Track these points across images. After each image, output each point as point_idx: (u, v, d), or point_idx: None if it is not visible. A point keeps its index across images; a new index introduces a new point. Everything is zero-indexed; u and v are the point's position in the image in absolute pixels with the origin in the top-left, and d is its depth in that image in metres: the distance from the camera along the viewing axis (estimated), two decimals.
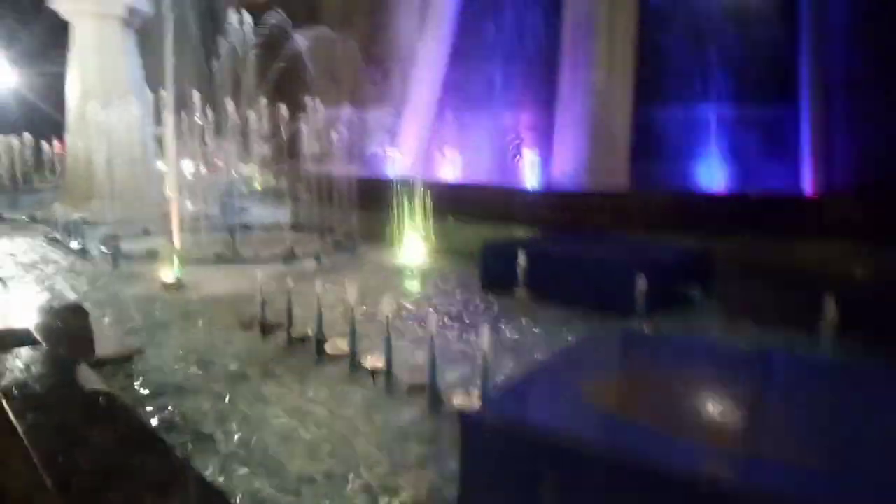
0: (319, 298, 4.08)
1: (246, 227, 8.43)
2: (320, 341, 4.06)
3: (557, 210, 7.62)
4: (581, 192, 8.18)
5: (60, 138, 13.38)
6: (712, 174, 8.37)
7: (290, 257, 6.81)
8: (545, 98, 9.41)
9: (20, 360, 2.72)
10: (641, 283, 5.03)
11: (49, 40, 16.70)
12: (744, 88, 8.56)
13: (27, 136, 13.80)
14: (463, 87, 11.08)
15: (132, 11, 11.32)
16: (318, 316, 4.09)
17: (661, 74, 8.75)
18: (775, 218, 6.69)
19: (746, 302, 5.48)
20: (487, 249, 6.38)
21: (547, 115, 9.36)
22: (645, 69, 8.75)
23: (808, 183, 7.86)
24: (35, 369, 2.59)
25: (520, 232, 7.09)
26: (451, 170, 10.53)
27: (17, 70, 16.53)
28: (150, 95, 12.34)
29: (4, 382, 2.42)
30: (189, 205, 10.67)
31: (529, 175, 9.40)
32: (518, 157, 9.86)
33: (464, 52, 11.20)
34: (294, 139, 14.54)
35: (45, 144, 13.85)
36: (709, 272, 5.89)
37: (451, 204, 8.44)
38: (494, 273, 6.09)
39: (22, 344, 2.95)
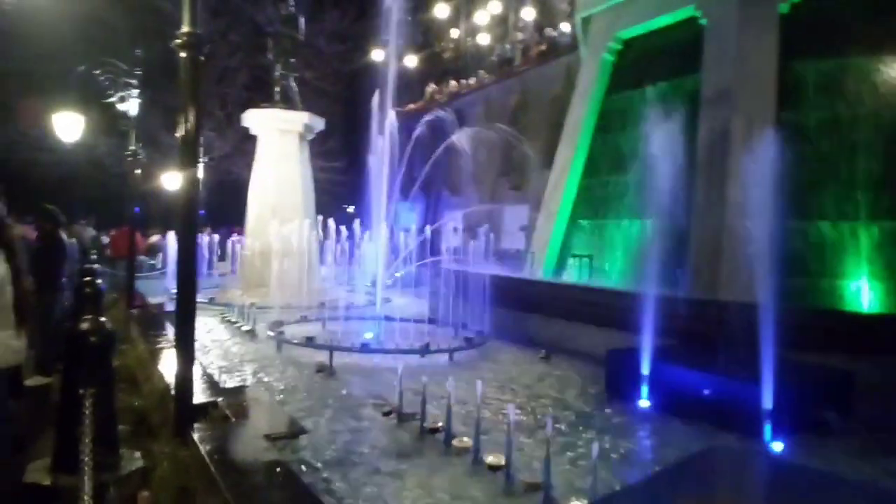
0: (450, 395, 4.58)
1: (389, 318, 9.23)
2: (449, 435, 4.52)
3: (690, 320, 7.64)
4: (716, 302, 8.13)
5: (240, 231, 15.54)
6: (861, 294, 8.01)
7: (425, 351, 7.42)
8: (679, 210, 9.57)
9: (216, 430, 3.46)
10: (772, 403, 5.01)
11: (237, 148, 19.74)
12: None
13: (214, 229, 16.27)
14: (596, 197, 11.56)
15: (308, 128, 13.28)
16: (448, 411, 4.58)
17: (804, 190, 8.68)
18: None
19: (890, 432, 5.20)
20: (612, 356, 6.60)
21: (681, 227, 9.50)
22: (786, 184, 8.71)
23: None
24: (229, 439, 3.30)
25: (648, 340, 7.20)
26: (581, 274, 10.85)
27: (210, 172, 19.62)
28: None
29: (209, 448, 3.13)
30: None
31: (662, 283, 9.48)
32: (678, 269, 9.96)
33: (598, 161, 11.77)
34: (436, 235, 15.70)
35: (229, 237, 16.22)
36: (850, 396, 5.66)
37: (582, 307, 8.75)
38: (618, 380, 6.28)
39: (216, 417, 3.71)
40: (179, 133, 3.85)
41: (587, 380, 6.80)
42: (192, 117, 3.77)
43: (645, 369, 6.02)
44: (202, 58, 3.78)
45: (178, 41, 3.67)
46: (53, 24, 15.10)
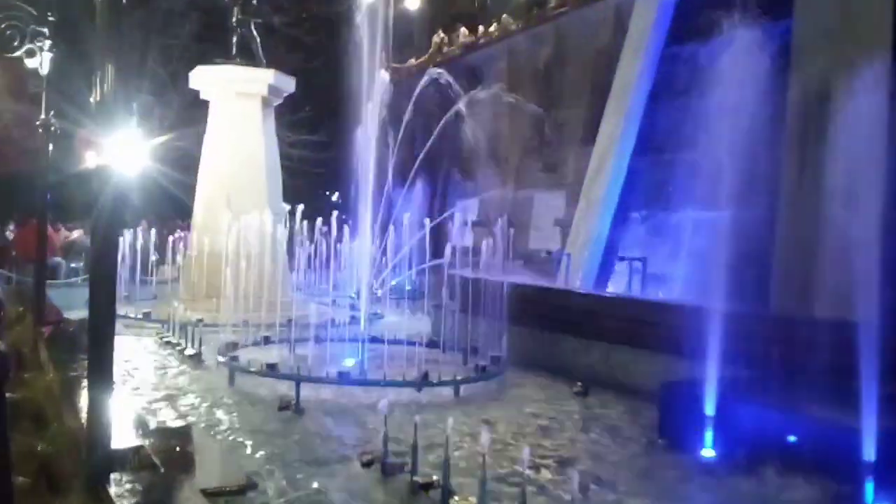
0: (448, 440, 4.61)
1: (377, 340, 9.30)
2: (446, 492, 4.55)
3: (771, 343, 7.62)
4: (806, 320, 8.11)
5: (186, 224, 15.69)
6: None
7: (423, 382, 7.47)
8: (763, 198, 9.52)
9: (140, 483, 3.52)
10: (876, 453, 5.01)
11: (183, 117, 19.89)
12: None
13: (152, 222, 16.46)
14: (652, 182, 11.55)
15: (275, 90, 13.42)
16: (446, 463, 4.61)
17: None
18: None
19: None
20: (668, 390, 6.61)
21: (766, 221, 9.46)
22: None
23: None
24: (154, 494, 3.35)
25: (715, 369, 7.19)
26: (631, 283, 10.87)
27: (147, 148, 19.81)
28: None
29: None
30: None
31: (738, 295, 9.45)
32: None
33: (655, 134, 11.75)
34: (440, 231, 15.78)
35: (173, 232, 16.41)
36: None
37: (631, 326, 8.76)
38: (676, 423, 6.29)
39: (140, 465, 3.77)
40: (94, 97, 3.92)
41: (634, 422, 6.83)
42: (110, 76, 3.83)
43: (710, 408, 6.02)
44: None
45: None
46: None
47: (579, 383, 8.04)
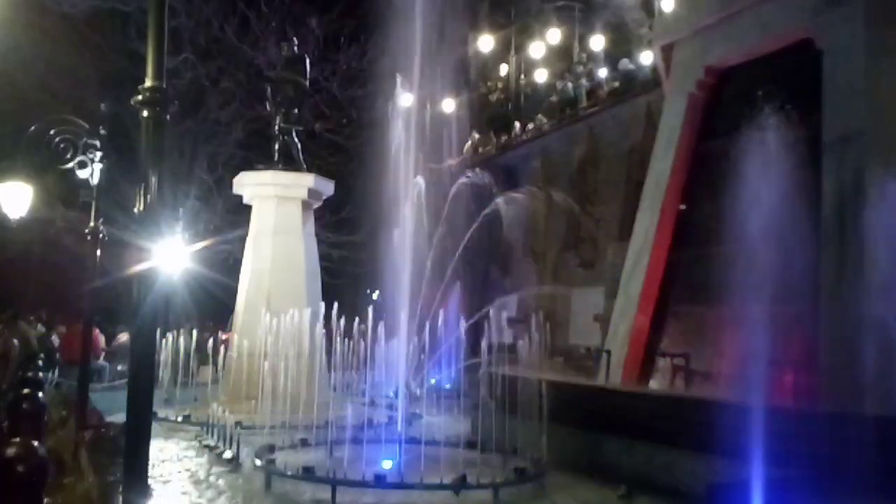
0: None
1: (415, 441, 9.22)
2: None
3: (818, 442, 7.33)
4: (856, 418, 7.82)
5: (224, 326, 15.91)
6: None
7: (460, 486, 7.35)
8: (804, 292, 9.33)
9: None
10: None
11: (227, 221, 20.45)
12: None
13: (196, 324, 16.75)
14: (691, 274, 11.47)
15: (315, 193, 13.80)
16: None
17: None
18: None
19: None
20: (715, 493, 6.39)
21: (809, 316, 9.31)
22: None
23: None
24: None
25: (762, 470, 6.94)
26: (673, 380, 10.69)
27: (192, 252, 20.38)
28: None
29: None
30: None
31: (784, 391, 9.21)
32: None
33: (692, 228, 11.72)
34: (478, 328, 15.73)
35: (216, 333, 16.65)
36: None
37: (676, 425, 8.53)
38: None
39: None
40: (138, 208, 4.06)
41: None
42: (153, 188, 3.99)
43: None
44: (168, 116, 4.04)
45: (140, 97, 3.94)
46: (7, 75, 16.31)
47: (623, 487, 7.82)
